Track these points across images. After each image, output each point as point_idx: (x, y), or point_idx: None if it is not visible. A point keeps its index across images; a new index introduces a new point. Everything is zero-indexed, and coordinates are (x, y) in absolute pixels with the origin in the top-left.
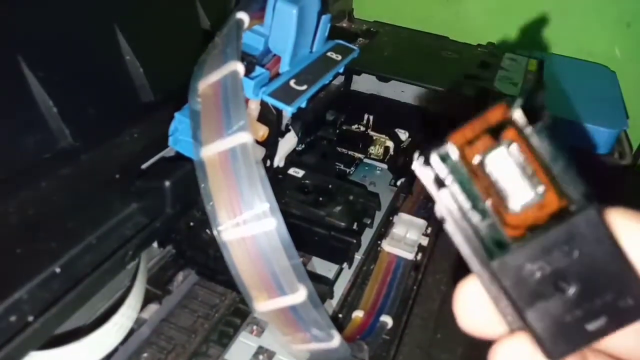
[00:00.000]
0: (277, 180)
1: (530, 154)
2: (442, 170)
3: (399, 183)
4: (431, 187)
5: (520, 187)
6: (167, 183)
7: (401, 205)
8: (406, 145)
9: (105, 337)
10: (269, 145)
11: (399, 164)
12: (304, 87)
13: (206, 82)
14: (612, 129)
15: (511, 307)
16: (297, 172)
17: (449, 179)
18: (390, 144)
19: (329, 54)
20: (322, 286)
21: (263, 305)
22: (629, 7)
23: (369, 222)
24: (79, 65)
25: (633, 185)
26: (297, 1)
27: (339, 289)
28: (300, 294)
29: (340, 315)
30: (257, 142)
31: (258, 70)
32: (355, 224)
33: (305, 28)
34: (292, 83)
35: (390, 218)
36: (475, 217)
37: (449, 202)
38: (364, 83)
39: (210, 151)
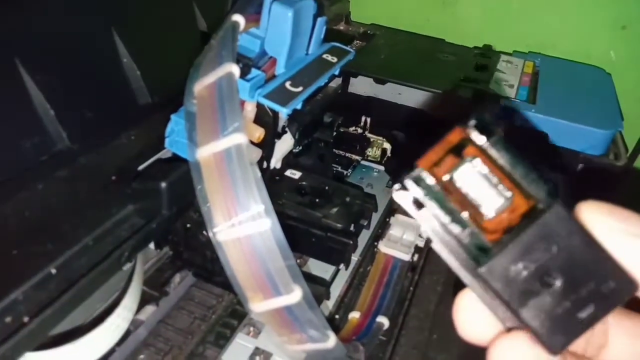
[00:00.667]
0: (274, 181)
1: (492, 165)
2: (418, 193)
3: None
4: (411, 210)
5: (490, 195)
6: (164, 184)
7: (398, 207)
8: (403, 147)
9: (100, 338)
10: (266, 146)
11: (396, 166)
12: (300, 89)
13: (202, 84)
14: (607, 131)
15: (507, 311)
16: (294, 173)
17: (425, 199)
18: (387, 146)
19: (324, 56)
20: (318, 287)
21: (258, 306)
22: (625, 9)
23: (365, 223)
24: (77, 68)
25: (629, 186)
26: (293, 4)
27: (336, 290)
28: (295, 295)
29: (336, 317)
30: (254, 143)
31: (254, 72)
32: (352, 225)
33: (301, 30)
34: (287, 85)
35: (387, 219)
36: (456, 229)
37: (430, 220)
38: (361, 85)
39: (205, 152)
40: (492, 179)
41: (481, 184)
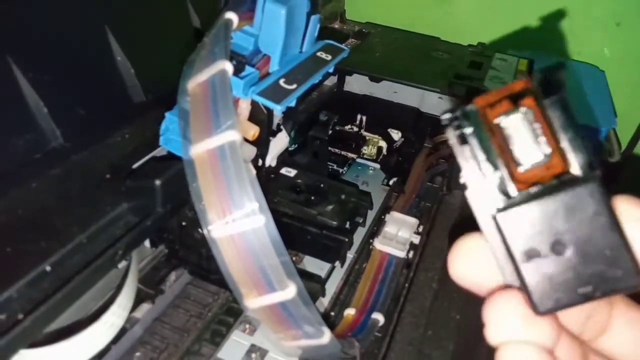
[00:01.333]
0: (269, 179)
1: (544, 121)
2: (466, 127)
3: (391, 182)
4: (454, 142)
5: (531, 148)
6: (158, 182)
7: (393, 204)
8: (398, 145)
9: (95, 336)
10: (261, 144)
11: (392, 164)
12: (294, 86)
13: (195, 82)
14: (601, 128)
15: (508, 261)
16: (289, 171)
17: (470, 136)
18: (383, 144)
19: (318, 53)
20: (314, 284)
21: (253, 302)
22: (619, 6)
23: (361, 220)
24: (70, 65)
25: (623, 182)
26: (286, 1)
27: (331, 287)
28: (289, 291)
29: (332, 313)
30: (249, 141)
31: (248, 69)
32: (348, 222)
33: (295, 28)
34: (281, 82)
35: (383, 217)
36: (489, 170)
37: (467, 156)
38: (357, 84)
39: (199, 150)
40: (538, 134)
41: (526, 135)
